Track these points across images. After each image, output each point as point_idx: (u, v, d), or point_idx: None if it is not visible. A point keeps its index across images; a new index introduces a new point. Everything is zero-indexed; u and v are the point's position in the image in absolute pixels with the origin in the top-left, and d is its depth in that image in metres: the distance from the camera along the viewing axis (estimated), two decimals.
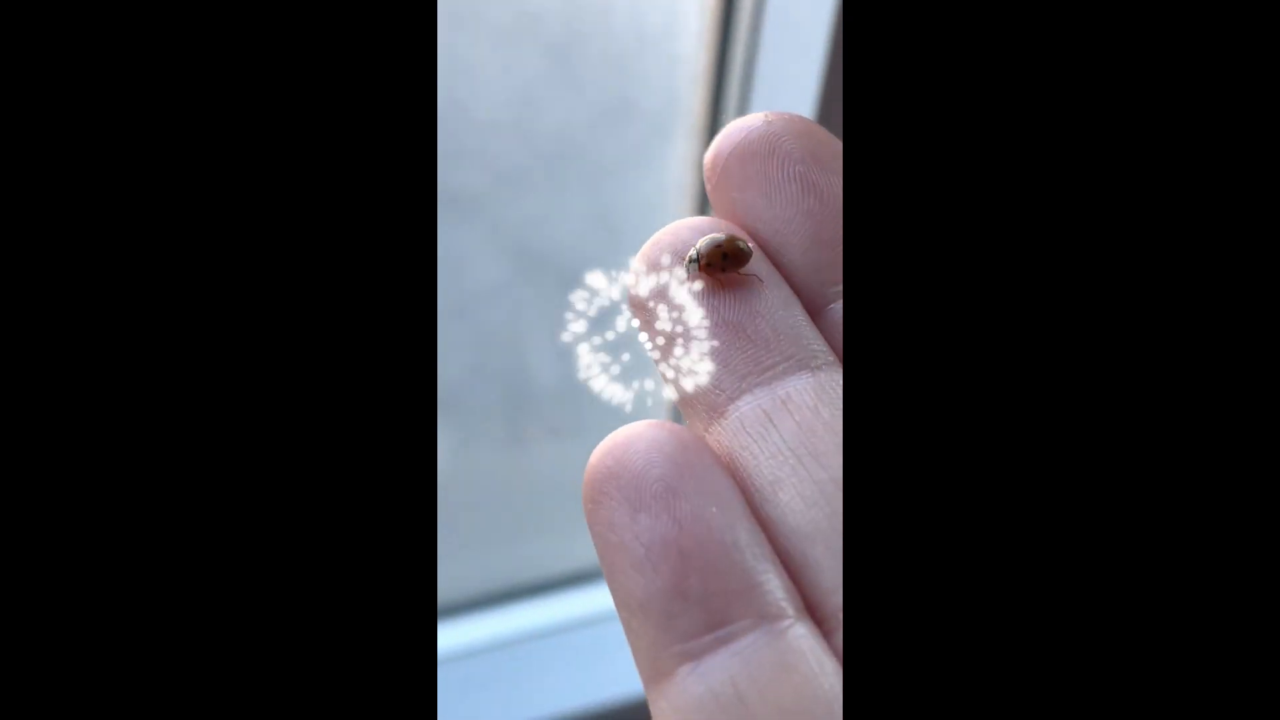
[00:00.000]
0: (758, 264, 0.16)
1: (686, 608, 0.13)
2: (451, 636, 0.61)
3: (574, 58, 0.52)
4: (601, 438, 0.15)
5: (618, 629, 0.15)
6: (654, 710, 0.13)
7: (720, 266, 0.16)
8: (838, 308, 0.16)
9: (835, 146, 0.17)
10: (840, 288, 0.16)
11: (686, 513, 0.14)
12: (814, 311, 0.16)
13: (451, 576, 0.58)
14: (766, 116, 0.17)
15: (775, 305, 0.16)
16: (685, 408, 0.16)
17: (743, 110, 0.52)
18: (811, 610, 0.14)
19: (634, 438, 0.14)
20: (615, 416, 0.16)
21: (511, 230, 0.55)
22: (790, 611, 0.13)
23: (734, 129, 0.17)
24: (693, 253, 0.17)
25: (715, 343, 0.16)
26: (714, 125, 0.54)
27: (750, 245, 0.16)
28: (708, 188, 0.17)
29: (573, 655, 0.61)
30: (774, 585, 0.14)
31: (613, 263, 0.17)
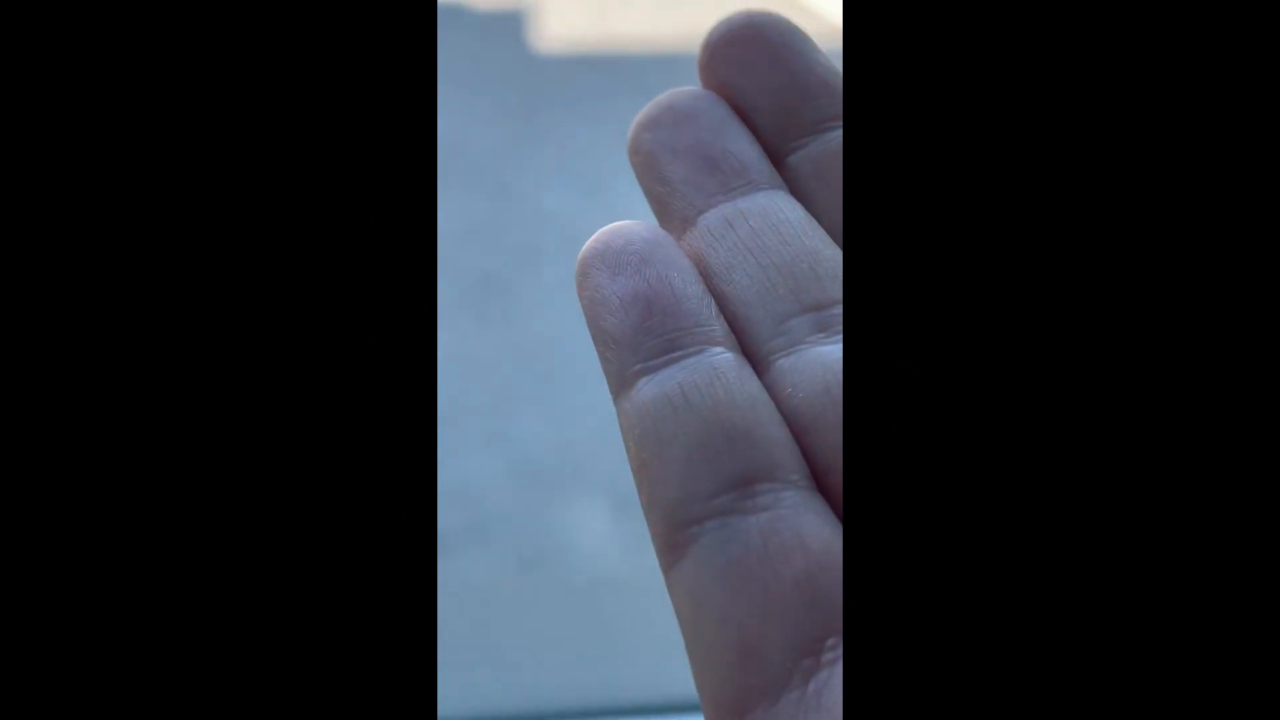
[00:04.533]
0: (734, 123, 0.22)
1: (648, 339, 0.18)
2: None
3: None
4: None
5: None
6: (619, 416, 0.18)
7: None
8: (793, 159, 0.22)
9: (803, 35, 0.22)
10: (797, 143, 0.22)
11: (653, 275, 0.19)
12: (775, 160, 0.22)
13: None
14: (749, 11, 0.22)
15: (743, 147, 0.21)
16: (663, 221, 0.21)
17: None
18: (747, 353, 0.18)
19: (617, 229, 0.20)
20: None
21: None
22: (728, 346, 0.18)
23: (724, 21, 0.22)
24: None
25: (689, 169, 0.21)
26: None
27: None
28: (699, 65, 0.22)
29: None
30: (717, 330, 0.18)
31: None
